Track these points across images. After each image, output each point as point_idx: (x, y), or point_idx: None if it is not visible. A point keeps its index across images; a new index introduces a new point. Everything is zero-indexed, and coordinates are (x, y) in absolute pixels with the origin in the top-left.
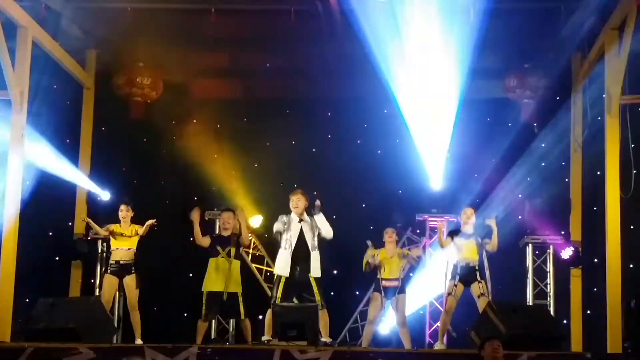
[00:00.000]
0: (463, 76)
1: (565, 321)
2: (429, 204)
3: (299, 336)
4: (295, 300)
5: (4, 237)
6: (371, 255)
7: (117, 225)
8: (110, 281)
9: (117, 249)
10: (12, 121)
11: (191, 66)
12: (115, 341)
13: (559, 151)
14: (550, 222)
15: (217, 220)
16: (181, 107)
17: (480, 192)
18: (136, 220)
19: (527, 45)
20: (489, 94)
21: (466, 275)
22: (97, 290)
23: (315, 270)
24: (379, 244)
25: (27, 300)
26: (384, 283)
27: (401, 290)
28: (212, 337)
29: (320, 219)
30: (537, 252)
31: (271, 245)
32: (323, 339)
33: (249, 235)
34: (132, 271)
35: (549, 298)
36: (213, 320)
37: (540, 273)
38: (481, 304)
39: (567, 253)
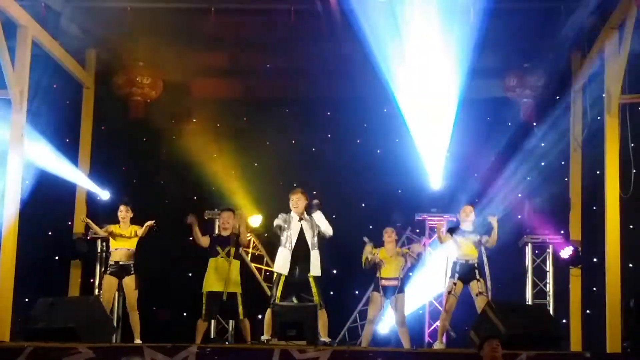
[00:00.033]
0: (463, 76)
1: (564, 321)
2: (428, 204)
3: (298, 336)
4: (294, 299)
5: (3, 237)
6: (370, 252)
7: (117, 226)
8: (110, 282)
9: (116, 249)
10: (12, 120)
11: (191, 66)
12: (114, 341)
13: (559, 150)
14: (549, 222)
15: (217, 219)
16: (181, 107)
17: (480, 191)
18: (136, 220)
19: (527, 45)
20: (489, 94)
21: (465, 273)
22: (97, 289)
23: (315, 269)
24: (379, 244)
25: (27, 299)
26: (383, 282)
27: (400, 289)
28: (212, 336)
29: (318, 216)
30: (536, 251)
31: (271, 244)
32: (322, 339)
33: (248, 235)
34: (132, 272)
35: (548, 297)
36: (212, 320)
37: (539, 272)
38: (479, 303)
39: (566, 252)
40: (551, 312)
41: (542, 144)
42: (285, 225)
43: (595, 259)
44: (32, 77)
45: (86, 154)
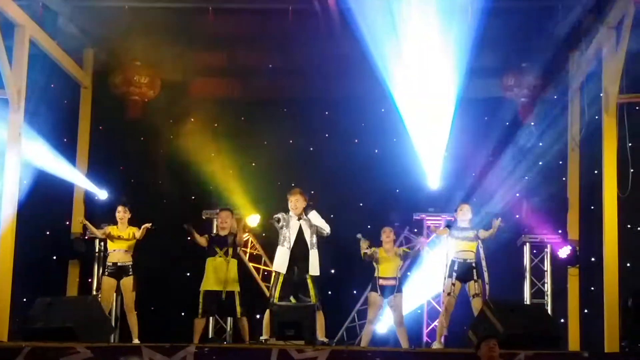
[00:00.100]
0: (460, 75)
1: (562, 320)
2: (426, 203)
3: (296, 335)
4: (292, 299)
5: (1, 237)
6: (365, 247)
7: (115, 227)
8: (109, 283)
9: (114, 250)
10: (10, 120)
11: (189, 65)
12: (112, 340)
13: (557, 150)
14: (547, 221)
15: (215, 219)
16: (178, 106)
17: (478, 191)
18: (133, 220)
19: (525, 44)
20: (487, 93)
21: (463, 273)
22: (95, 289)
23: (314, 269)
24: (377, 243)
25: (25, 299)
26: (380, 282)
27: (398, 289)
28: (210, 336)
29: (313, 216)
30: (534, 251)
31: (269, 244)
32: (321, 339)
33: (246, 235)
34: (130, 273)
35: (546, 297)
36: (211, 320)
37: (537, 272)
38: (475, 304)
39: (564, 252)
40: (549, 311)
41: (540, 144)
42: (284, 223)
43: (593, 259)
44: (30, 76)
45: (84, 154)
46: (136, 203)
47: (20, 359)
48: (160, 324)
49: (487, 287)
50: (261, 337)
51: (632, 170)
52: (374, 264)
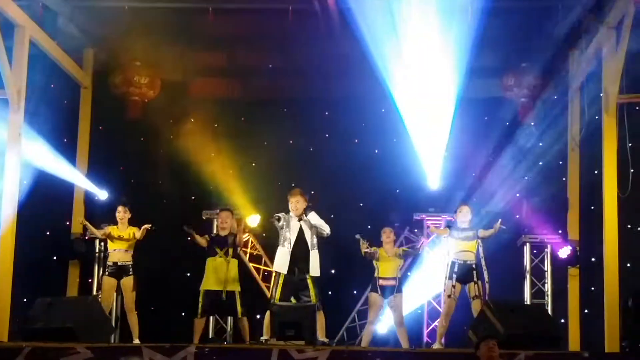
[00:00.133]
0: (460, 75)
1: (562, 320)
2: (426, 203)
3: (296, 336)
4: (292, 299)
5: (1, 237)
6: (365, 247)
7: (115, 227)
8: (109, 283)
9: (114, 250)
10: (10, 120)
11: (188, 65)
12: (113, 341)
13: (557, 150)
14: (547, 221)
15: (215, 219)
16: (178, 107)
17: (478, 191)
18: (133, 220)
19: (525, 44)
20: (487, 93)
21: (463, 274)
22: (95, 289)
23: (314, 269)
24: (377, 244)
25: (25, 299)
26: (380, 282)
27: (398, 289)
28: (210, 336)
29: (313, 217)
30: (534, 251)
31: (269, 244)
32: (321, 339)
33: (246, 235)
34: (130, 273)
35: (546, 297)
36: (211, 320)
37: (537, 272)
38: (475, 306)
39: (564, 252)
40: (549, 311)
41: (540, 144)
42: (284, 223)
43: (593, 259)
44: (30, 76)
45: (84, 154)
46: (136, 203)
47: (20, 359)
48: (161, 324)
49: (487, 286)
50: (261, 337)
51: (632, 170)
52: (374, 263)
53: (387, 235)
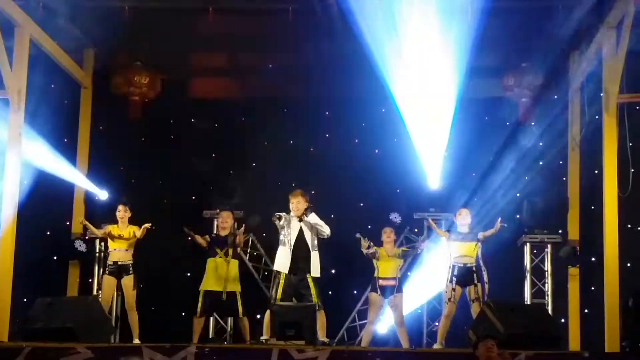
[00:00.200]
0: (461, 75)
1: (563, 320)
2: (427, 203)
3: (297, 335)
4: (293, 299)
5: (1, 237)
6: (366, 247)
7: (115, 226)
8: (109, 282)
9: (114, 249)
10: (10, 120)
11: (189, 65)
12: (113, 341)
13: (557, 150)
14: (548, 221)
15: (215, 219)
16: (179, 107)
17: (478, 191)
18: (134, 220)
19: (525, 44)
20: (487, 93)
21: (463, 277)
22: (95, 289)
23: (315, 270)
24: (377, 243)
25: (25, 299)
26: (380, 282)
27: (399, 289)
28: (210, 336)
29: (313, 218)
30: (535, 251)
31: (269, 244)
32: (321, 339)
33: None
34: (130, 272)
35: (546, 297)
36: (211, 320)
37: (538, 272)
38: (474, 309)
39: (564, 252)
40: (550, 311)
41: (540, 144)
42: (285, 223)
43: (593, 259)
44: (30, 77)
45: (84, 154)
46: (136, 203)
47: (20, 359)
48: (161, 324)
49: (486, 286)
50: (261, 337)
51: (632, 170)
52: (374, 263)
53: (387, 235)
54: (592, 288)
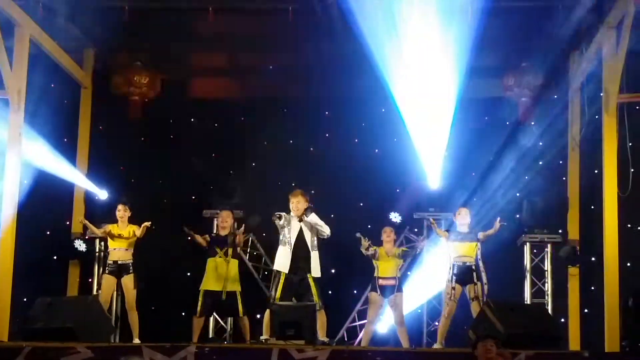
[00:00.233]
0: (461, 75)
1: (563, 320)
2: (427, 203)
3: (296, 335)
4: (293, 299)
5: (1, 237)
6: (366, 247)
7: (115, 225)
8: (109, 281)
9: (114, 249)
10: (10, 120)
11: (189, 65)
12: (113, 340)
13: (557, 150)
14: (548, 221)
15: (215, 219)
16: (179, 107)
17: (478, 190)
18: (134, 220)
19: (525, 44)
20: (487, 93)
21: (463, 275)
22: (95, 289)
23: (315, 270)
24: (377, 243)
25: (25, 299)
26: (380, 282)
27: (399, 289)
28: (210, 336)
29: (313, 219)
30: (534, 250)
31: (269, 244)
32: (321, 339)
33: (247, 234)
34: (130, 271)
35: (546, 297)
36: (211, 320)
37: (538, 272)
38: (474, 308)
39: (564, 252)
40: (550, 311)
41: (540, 143)
42: (285, 223)
43: (593, 258)
44: (30, 76)
45: (84, 154)
46: (136, 203)
47: (20, 359)
48: (161, 323)
49: (485, 287)
50: (261, 337)
51: (632, 170)
52: (374, 263)
53: (387, 234)
54: (592, 288)
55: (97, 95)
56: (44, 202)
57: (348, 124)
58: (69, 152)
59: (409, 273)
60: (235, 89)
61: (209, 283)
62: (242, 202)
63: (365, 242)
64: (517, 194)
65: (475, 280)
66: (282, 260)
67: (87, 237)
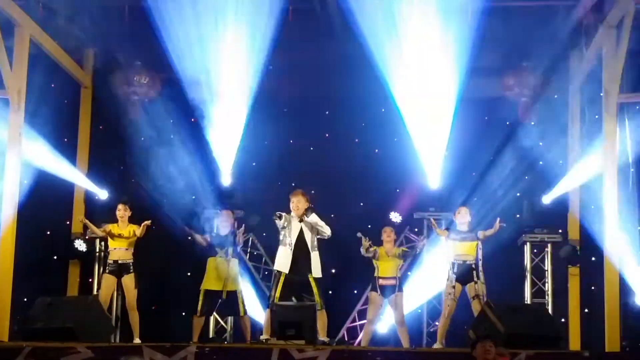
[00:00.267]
0: (461, 74)
1: (563, 319)
2: (427, 203)
3: (297, 335)
4: (293, 299)
5: (1, 237)
6: (366, 247)
7: (115, 225)
8: (109, 281)
9: (115, 249)
10: (10, 120)
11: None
12: (113, 340)
13: (557, 150)
14: (548, 221)
15: (215, 219)
16: (178, 106)
17: (478, 190)
18: (134, 219)
19: (525, 44)
20: (487, 92)
21: (463, 274)
22: (95, 289)
23: (316, 270)
24: (377, 243)
25: (25, 299)
26: (380, 282)
27: (399, 289)
28: (210, 336)
29: (313, 219)
30: (535, 250)
31: (269, 244)
32: (321, 339)
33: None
34: (131, 271)
35: (547, 296)
36: (211, 320)
37: (538, 271)
38: (475, 306)
39: (565, 251)
40: (550, 311)
41: (540, 144)
42: (286, 223)
43: (593, 258)
44: (30, 76)
45: (84, 154)
46: (136, 203)
47: (20, 359)
48: (161, 323)
49: (484, 287)
50: (261, 337)
51: (632, 170)
52: (374, 263)
53: (387, 234)
54: (592, 288)
55: (98, 94)
56: (44, 202)
57: (348, 124)
58: (69, 152)
59: (409, 273)
60: (235, 88)
61: (210, 283)
62: (242, 202)
63: (366, 242)
64: (517, 194)
65: (475, 279)
66: (283, 261)
67: (87, 237)
